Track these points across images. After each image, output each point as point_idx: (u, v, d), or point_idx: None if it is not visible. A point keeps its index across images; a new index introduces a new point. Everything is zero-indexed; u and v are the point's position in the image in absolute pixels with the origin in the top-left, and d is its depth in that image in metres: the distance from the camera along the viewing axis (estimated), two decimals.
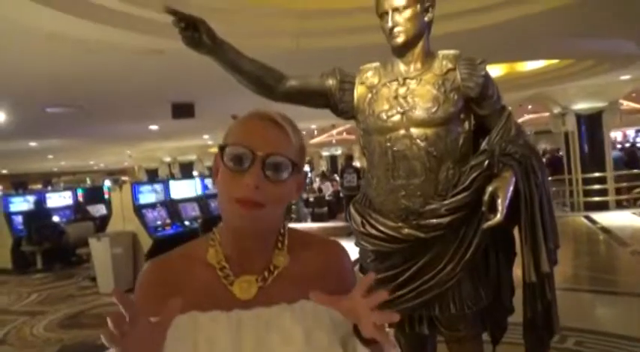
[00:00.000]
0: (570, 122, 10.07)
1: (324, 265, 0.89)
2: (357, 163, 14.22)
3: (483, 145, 1.81)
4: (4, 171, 20.70)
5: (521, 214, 1.74)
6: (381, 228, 1.78)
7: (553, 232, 1.78)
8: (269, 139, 0.80)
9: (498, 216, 1.63)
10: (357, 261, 2.04)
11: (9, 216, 8.96)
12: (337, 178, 14.31)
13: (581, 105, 9.79)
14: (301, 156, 0.85)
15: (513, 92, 8.84)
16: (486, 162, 1.73)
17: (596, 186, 9.74)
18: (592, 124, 9.87)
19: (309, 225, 11.34)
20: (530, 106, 14.07)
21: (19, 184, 20.33)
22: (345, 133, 18.40)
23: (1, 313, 5.98)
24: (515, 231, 1.84)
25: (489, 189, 1.66)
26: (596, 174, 9.70)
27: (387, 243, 1.78)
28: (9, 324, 5.39)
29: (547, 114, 11.91)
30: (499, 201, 1.64)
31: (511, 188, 1.68)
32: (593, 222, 8.63)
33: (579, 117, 9.92)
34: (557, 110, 10.39)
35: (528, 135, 1.95)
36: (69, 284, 7.36)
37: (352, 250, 2.02)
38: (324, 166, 22.73)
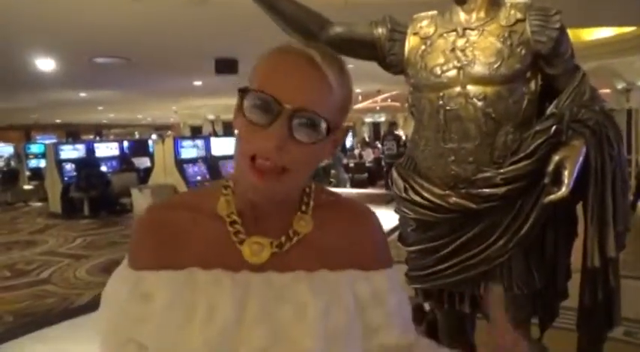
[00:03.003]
0: (635, 99, 9.33)
1: (353, 235, 0.75)
2: (400, 131, 13.92)
3: (551, 109, 1.58)
4: (58, 121, 21.54)
5: (590, 190, 1.52)
6: (426, 195, 1.61)
7: (624, 212, 1.55)
8: (303, 88, 0.63)
9: (563, 190, 1.42)
10: (396, 228, 1.90)
11: (59, 163, 9.33)
12: (379, 145, 14.11)
13: None
14: (344, 107, 0.68)
15: None
16: (554, 128, 1.50)
17: None
18: None
19: (348, 191, 11.26)
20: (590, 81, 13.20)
21: (72, 134, 21.19)
22: (389, 100, 17.91)
23: (48, 254, 6.30)
24: (579, 209, 1.63)
25: (555, 158, 1.45)
26: None
27: (431, 211, 1.61)
28: (55, 265, 5.65)
29: (608, 90, 11.10)
30: (566, 172, 1.43)
31: (581, 159, 1.46)
32: None
33: None
34: (621, 86, 9.62)
35: (604, 100, 1.69)
36: (113, 231, 7.65)
37: (393, 217, 1.89)
38: (366, 133, 22.42)
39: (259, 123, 0.62)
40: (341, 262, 0.71)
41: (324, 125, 0.63)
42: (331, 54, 0.67)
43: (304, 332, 0.65)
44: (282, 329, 0.65)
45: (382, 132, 18.76)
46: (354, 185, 12.06)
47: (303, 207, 0.73)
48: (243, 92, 0.64)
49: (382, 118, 21.82)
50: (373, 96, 17.21)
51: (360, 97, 17.09)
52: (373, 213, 0.80)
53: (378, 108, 19.80)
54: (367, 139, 18.73)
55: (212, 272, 0.67)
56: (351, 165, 12.88)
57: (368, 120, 22.91)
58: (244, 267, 0.69)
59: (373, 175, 12.52)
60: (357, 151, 15.31)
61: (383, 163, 11.53)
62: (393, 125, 12.26)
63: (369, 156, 13.75)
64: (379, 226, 0.79)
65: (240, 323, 0.65)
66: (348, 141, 20.11)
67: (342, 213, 0.76)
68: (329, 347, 0.66)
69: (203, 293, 0.66)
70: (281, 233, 0.71)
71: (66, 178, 9.22)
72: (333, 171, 12.21)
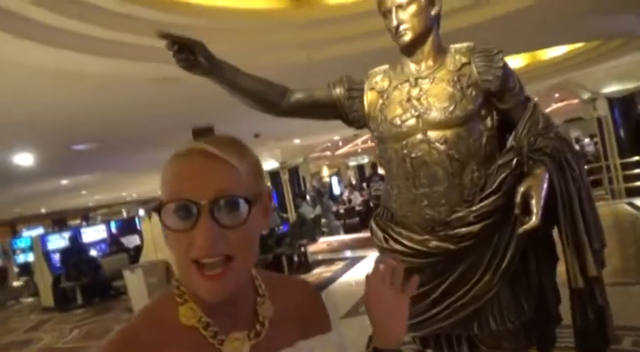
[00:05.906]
0: (602, 107, 9.65)
1: (306, 307, 0.80)
2: (382, 170, 14.04)
3: (510, 142, 1.66)
4: (43, 210, 21.32)
5: (560, 213, 1.58)
6: (406, 243, 1.65)
7: (597, 230, 1.60)
8: (210, 179, 0.64)
9: (534, 219, 1.46)
10: None
11: (47, 254, 9.17)
12: (365, 187, 14.19)
13: (612, 89, 9.36)
14: (256, 174, 0.70)
15: (538, 82, 8.49)
16: (515, 161, 1.58)
17: (637, 171, 9.27)
18: (625, 107, 9.43)
19: (342, 238, 11.20)
20: (557, 95, 13.62)
21: (58, 221, 20.92)
22: (370, 141, 18.21)
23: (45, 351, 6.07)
24: (555, 232, 1.66)
25: (521, 189, 1.51)
26: (636, 158, 9.23)
27: (413, 258, 1.64)
28: None
29: (576, 100, 11.48)
30: (533, 202, 1.48)
31: (545, 186, 1.52)
32: (637, 208, 8.16)
33: (611, 100, 9.48)
34: (586, 96, 9.95)
35: (558, 125, 1.78)
36: (108, 317, 7.43)
37: None
38: (352, 176, 22.59)
39: (185, 228, 0.63)
40: (301, 331, 0.75)
41: (244, 202, 0.64)
42: (222, 138, 0.70)
43: None
44: None
45: (367, 174, 18.96)
46: (347, 231, 12.01)
47: (260, 290, 0.75)
48: (157, 209, 0.65)
49: (365, 160, 22.06)
50: (353, 140, 17.49)
51: (340, 143, 17.36)
52: (310, 283, 0.88)
53: (359, 150, 20.07)
54: (353, 182, 18.83)
55: None
56: (342, 211, 12.89)
57: (352, 163, 23.13)
58: None
59: (364, 218, 12.50)
60: (345, 196, 15.36)
61: (371, 204, 11.55)
62: (375, 166, 12.39)
63: (357, 199, 13.78)
64: (319, 294, 0.86)
65: None
66: (336, 189, 20.20)
67: (287, 288, 0.81)
68: None
69: None
70: (249, 319, 0.72)
71: (55, 269, 9.04)
72: (324, 220, 12.18)
